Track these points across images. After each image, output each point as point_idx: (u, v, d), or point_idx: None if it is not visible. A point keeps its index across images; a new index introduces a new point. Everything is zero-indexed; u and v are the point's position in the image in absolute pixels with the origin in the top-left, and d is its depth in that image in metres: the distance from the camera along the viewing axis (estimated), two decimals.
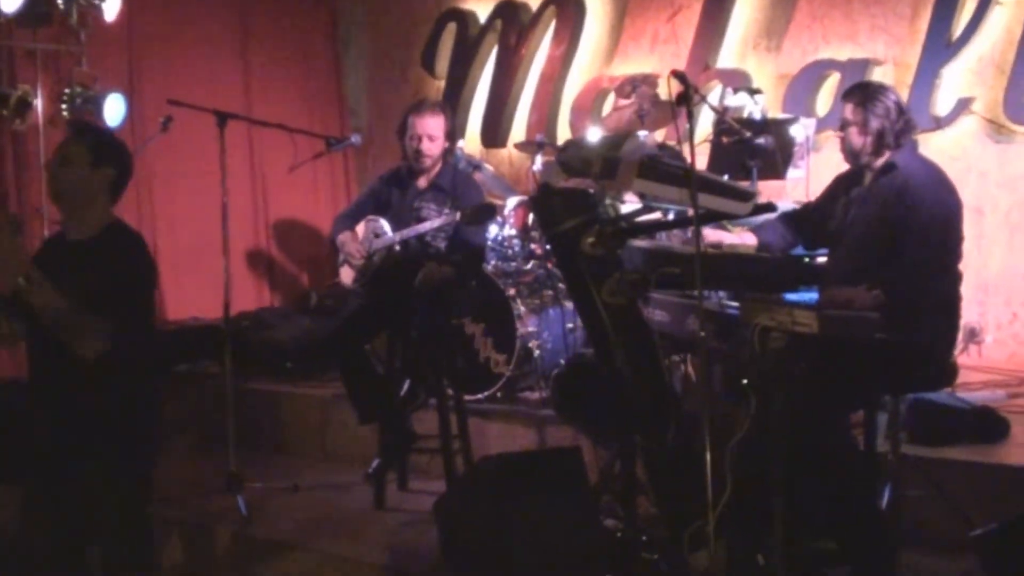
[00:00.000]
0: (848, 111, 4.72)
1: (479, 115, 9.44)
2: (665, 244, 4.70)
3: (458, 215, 5.70)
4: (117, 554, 4.18)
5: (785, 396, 4.10)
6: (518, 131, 9.22)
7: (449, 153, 6.19)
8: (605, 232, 4.28)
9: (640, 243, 4.57)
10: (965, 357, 6.73)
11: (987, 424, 5.32)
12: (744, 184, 4.58)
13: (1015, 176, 7.15)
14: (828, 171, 7.03)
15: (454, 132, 6.23)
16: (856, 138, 4.69)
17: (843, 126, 4.75)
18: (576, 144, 4.68)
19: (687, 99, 3.93)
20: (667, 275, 4.27)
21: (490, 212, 5.83)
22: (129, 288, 4.14)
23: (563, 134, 8.89)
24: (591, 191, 4.44)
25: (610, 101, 8.41)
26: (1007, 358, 7.17)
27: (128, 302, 4.11)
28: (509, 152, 9.23)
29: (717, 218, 4.53)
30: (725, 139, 5.90)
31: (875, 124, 4.63)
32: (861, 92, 4.76)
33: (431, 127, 6.02)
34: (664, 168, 4.11)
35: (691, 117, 3.92)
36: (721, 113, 5.78)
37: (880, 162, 4.68)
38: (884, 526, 4.52)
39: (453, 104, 9.35)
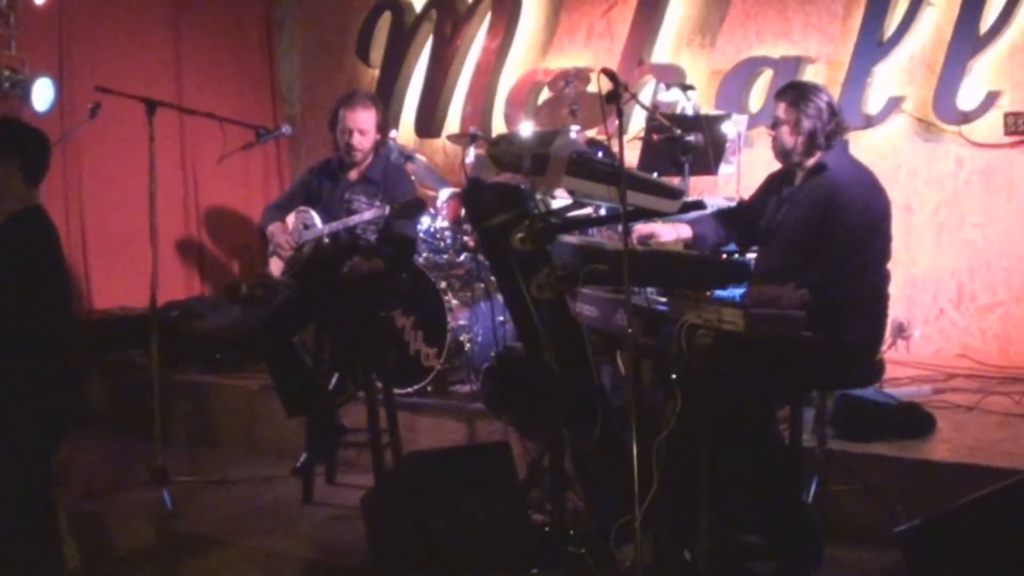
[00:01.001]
0: (780, 110, 4.74)
1: (413, 105, 9.38)
2: (594, 240, 4.71)
3: (387, 209, 5.66)
4: (15, 548, 4.14)
5: (711, 393, 4.12)
6: (452, 122, 9.19)
7: (381, 145, 6.13)
8: (534, 227, 4.28)
9: (569, 239, 4.57)
10: (893, 352, 6.79)
11: (913, 420, 5.36)
12: (673, 182, 4.56)
13: (943, 175, 7.22)
14: (760, 166, 7.08)
15: (386, 124, 6.17)
16: (788, 137, 4.71)
17: (775, 125, 4.77)
18: (507, 139, 4.66)
19: (617, 97, 3.93)
20: (596, 272, 4.28)
21: (419, 207, 5.80)
22: (20, 275, 4.09)
23: (498, 126, 8.88)
24: (521, 186, 4.43)
25: (544, 94, 8.40)
26: (934, 353, 7.25)
27: (19, 289, 4.06)
28: (443, 143, 9.20)
29: (646, 215, 4.52)
30: (656, 136, 5.90)
31: (807, 124, 4.65)
32: (794, 92, 4.78)
33: (362, 121, 5.96)
34: (593, 166, 4.11)
35: (621, 115, 3.92)
36: (652, 110, 5.77)
37: (811, 162, 4.71)
38: (809, 521, 4.55)
39: (387, 93, 9.34)
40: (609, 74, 3.93)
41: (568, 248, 4.51)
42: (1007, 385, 6.28)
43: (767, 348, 4.09)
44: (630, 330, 4.03)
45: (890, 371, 5.36)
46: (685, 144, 5.91)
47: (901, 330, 7.06)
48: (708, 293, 4.25)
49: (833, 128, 4.69)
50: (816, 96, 4.70)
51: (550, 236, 4.37)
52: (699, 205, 4.79)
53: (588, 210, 5.89)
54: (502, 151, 4.49)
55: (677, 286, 4.32)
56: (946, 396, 6.05)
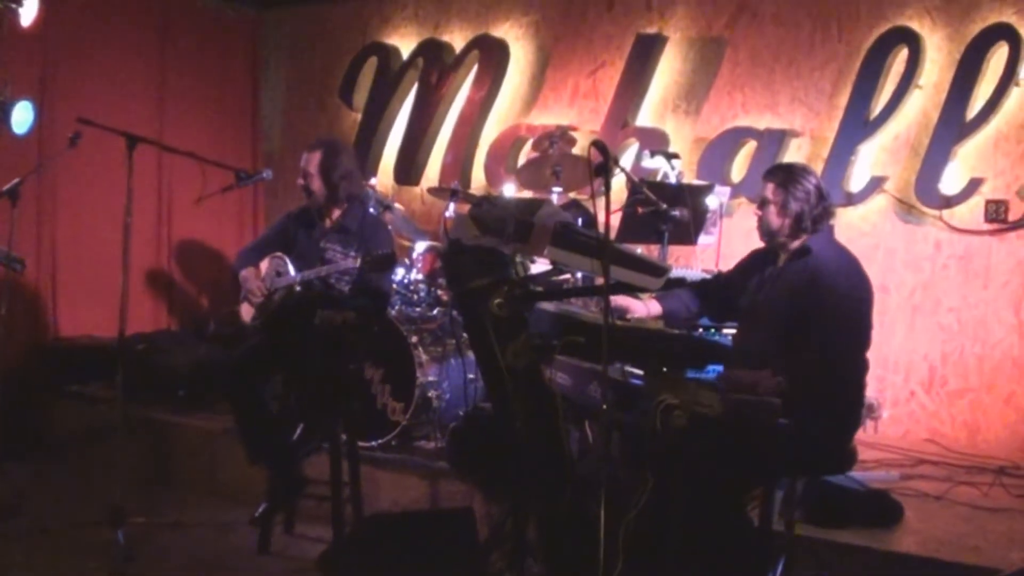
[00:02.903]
0: (769, 190, 4.71)
1: (394, 151, 9.34)
2: (572, 309, 4.64)
3: (359, 262, 5.59)
4: None
5: (683, 474, 4.06)
6: (433, 170, 9.17)
7: (355, 195, 6.06)
8: (513, 294, 4.22)
9: (547, 306, 4.51)
10: (861, 432, 6.70)
11: (882, 508, 5.32)
12: (652, 252, 4.52)
13: (921, 257, 7.23)
14: (739, 237, 7.12)
15: (350, 172, 6.05)
16: (774, 218, 4.68)
17: (762, 204, 4.74)
18: (490, 201, 4.59)
19: (606, 170, 3.88)
20: (573, 344, 4.22)
21: (391, 261, 5.71)
22: None
23: (478, 178, 8.87)
24: (502, 250, 4.37)
25: (527, 150, 8.39)
26: (902, 435, 7.24)
27: None
28: (422, 190, 9.16)
29: (628, 290, 4.48)
30: (641, 210, 5.86)
31: (794, 207, 4.63)
32: (783, 173, 4.75)
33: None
34: (578, 238, 4.05)
35: (608, 189, 3.86)
36: (638, 184, 5.74)
37: (796, 244, 4.68)
38: None
39: (368, 138, 9.34)
40: (600, 147, 3.89)
41: (545, 316, 4.45)
42: (974, 475, 6.24)
43: (741, 433, 4.04)
44: (605, 406, 3.96)
45: (857, 449, 5.31)
46: (669, 218, 5.88)
47: (871, 410, 7.02)
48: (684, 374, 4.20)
49: (820, 212, 4.67)
50: (805, 179, 4.68)
51: (528, 303, 4.31)
52: (681, 283, 4.76)
53: (566, 275, 5.88)
54: (485, 213, 4.42)
55: (655, 365, 4.27)
56: (914, 483, 6.00)
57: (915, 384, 7.31)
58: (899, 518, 5.33)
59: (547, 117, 8.64)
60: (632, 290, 4.52)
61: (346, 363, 5.89)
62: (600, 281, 3.98)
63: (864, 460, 6.18)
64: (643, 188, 5.68)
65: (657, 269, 4.13)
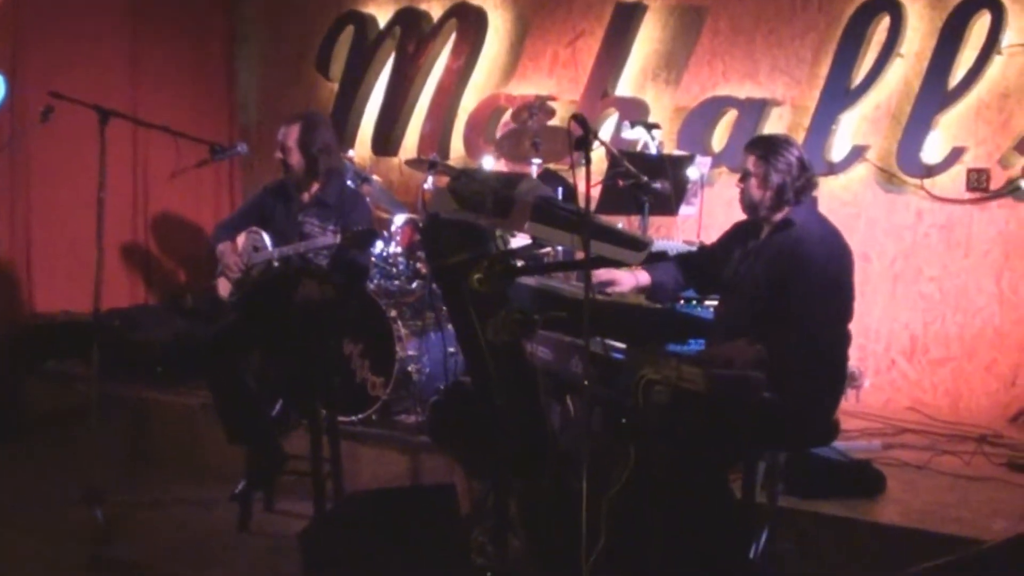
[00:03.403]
0: (750, 163, 4.66)
1: (372, 122, 9.27)
2: (553, 284, 4.59)
3: (339, 238, 5.52)
4: None
5: (666, 450, 4.04)
6: (411, 141, 9.09)
7: (333, 169, 5.99)
8: (493, 269, 4.18)
9: (528, 281, 4.48)
10: (843, 401, 6.72)
11: (864, 479, 5.31)
12: (638, 234, 4.49)
13: (902, 226, 7.21)
14: (720, 207, 7.10)
15: (327, 146, 5.98)
16: (756, 191, 4.64)
17: (743, 177, 4.69)
18: (469, 175, 4.55)
19: (586, 144, 3.84)
20: (554, 319, 4.18)
21: (371, 237, 5.64)
22: None
23: (456, 148, 8.81)
24: (481, 225, 4.33)
25: (506, 120, 8.32)
26: (883, 404, 7.24)
27: None
28: (400, 161, 9.09)
29: (609, 264, 4.44)
30: (622, 182, 5.81)
31: (776, 179, 4.59)
32: (764, 145, 4.70)
33: (284, 135, 5.89)
34: (558, 213, 4.00)
35: (589, 163, 3.82)
36: (619, 157, 5.68)
37: (778, 217, 4.64)
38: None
39: (346, 109, 9.26)
40: (580, 121, 3.84)
41: (526, 291, 4.42)
42: (956, 443, 6.23)
43: (725, 409, 4.01)
44: (586, 382, 3.93)
45: (840, 423, 5.29)
46: (650, 190, 5.83)
47: (852, 379, 7.00)
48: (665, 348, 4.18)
49: (803, 184, 4.63)
50: (787, 150, 4.63)
51: (509, 278, 4.27)
52: (663, 257, 4.72)
53: (547, 249, 5.83)
54: (464, 187, 4.37)
55: (636, 339, 4.24)
56: (896, 453, 5.99)
57: (896, 353, 7.30)
58: (882, 488, 5.31)
59: (526, 87, 8.58)
60: (613, 264, 4.48)
61: (325, 339, 5.84)
62: (581, 255, 3.94)
63: (846, 429, 6.15)
64: (623, 161, 5.63)
65: (638, 243, 4.09)
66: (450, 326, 6.05)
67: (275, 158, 5.95)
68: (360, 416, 6.32)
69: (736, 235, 4.92)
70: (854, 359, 6.92)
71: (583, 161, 3.84)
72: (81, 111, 5.80)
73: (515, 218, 4.05)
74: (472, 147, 8.66)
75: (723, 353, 4.22)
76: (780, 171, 4.59)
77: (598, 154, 7.26)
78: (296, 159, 5.89)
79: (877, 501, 5.20)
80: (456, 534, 4.79)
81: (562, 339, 4.45)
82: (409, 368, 6.29)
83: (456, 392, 5.61)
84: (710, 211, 7.05)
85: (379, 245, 6.60)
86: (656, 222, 7.45)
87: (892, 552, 4.75)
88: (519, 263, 4.39)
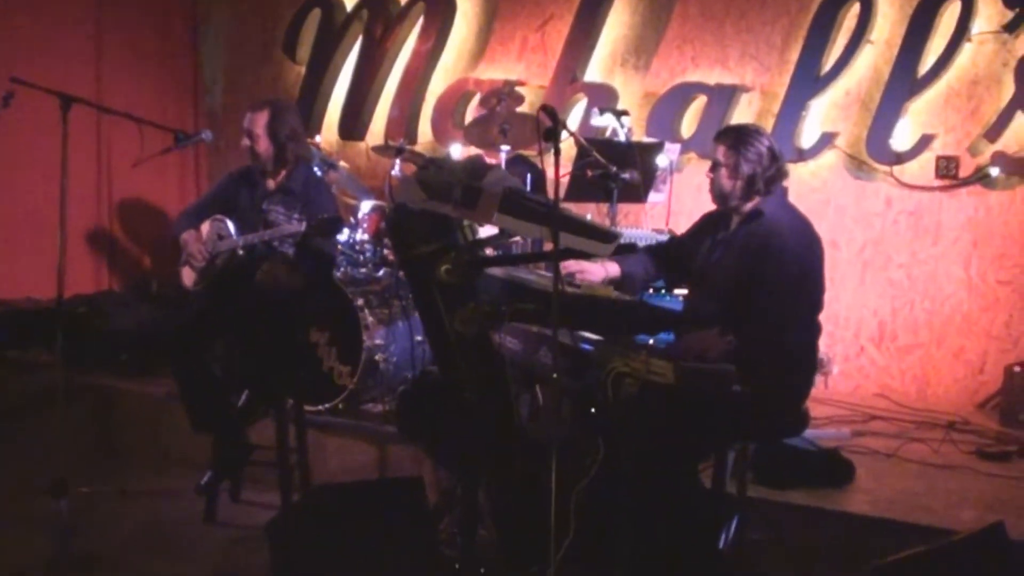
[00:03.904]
0: (720, 153, 4.62)
1: (339, 106, 9.19)
2: (522, 275, 4.55)
3: (304, 226, 5.46)
4: None
5: (635, 442, 4.01)
6: (378, 125, 9.03)
7: (301, 156, 5.93)
8: (461, 260, 4.14)
9: (496, 271, 4.44)
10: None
11: (833, 468, 5.32)
12: (607, 226, 4.45)
13: (871, 213, 7.20)
14: (689, 193, 7.07)
15: (295, 132, 5.92)
16: (726, 181, 4.60)
17: (713, 167, 4.65)
18: (436, 164, 4.50)
19: (555, 135, 3.79)
20: (522, 310, 4.15)
21: (337, 225, 5.59)
22: None
23: (424, 133, 8.76)
24: (449, 215, 4.28)
25: (474, 104, 8.28)
26: (852, 390, 7.25)
27: None
28: (367, 146, 9.02)
29: (578, 256, 4.40)
30: (590, 172, 5.78)
31: (746, 169, 4.55)
32: (735, 135, 4.66)
33: (251, 122, 5.81)
34: (526, 205, 3.96)
35: (558, 155, 3.77)
36: (588, 148, 5.64)
37: (748, 207, 4.61)
38: (724, 568, 4.47)
39: (312, 92, 9.19)
40: (549, 112, 3.80)
41: (494, 282, 4.38)
42: (925, 431, 6.25)
43: (695, 402, 3.99)
44: (555, 375, 3.89)
45: (809, 409, 5.29)
46: (619, 179, 5.80)
47: (821, 366, 6.95)
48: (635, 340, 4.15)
49: (773, 174, 4.60)
50: (757, 140, 4.59)
51: (477, 270, 4.23)
52: (632, 248, 4.69)
53: (516, 239, 5.79)
54: (431, 177, 4.32)
55: (605, 331, 4.21)
56: (865, 440, 6.00)
57: (865, 340, 7.30)
58: (851, 477, 5.32)
59: (495, 71, 8.52)
60: (582, 256, 4.45)
61: (291, 328, 5.78)
62: (549, 247, 3.90)
63: (815, 417, 6.12)
64: (592, 151, 5.59)
65: (607, 235, 4.06)
66: (417, 314, 6.01)
67: (242, 145, 5.88)
68: (327, 405, 6.26)
69: (705, 225, 4.89)
70: (823, 346, 6.88)
71: (552, 151, 3.79)
72: (43, 96, 5.72)
73: (483, 209, 4.00)
74: (440, 132, 8.60)
75: (695, 345, 4.20)
76: (750, 161, 4.56)
77: (567, 141, 7.25)
78: (264, 146, 5.82)
79: (846, 490, 5.22)
80: (425, 526, 4.75)
81: (530, 330, 4.42)
82: (376, 357, 6.23)
83: (424, 382, 5.56)
84: (679, 197, 7.01)
85: (345, 232, 6.53)
86: (624, 209, 7.43)
87: (861, 542, 4.76)
88: (487, 253, 4.37)
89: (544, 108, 3.79)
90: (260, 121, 5.81)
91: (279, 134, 5.81)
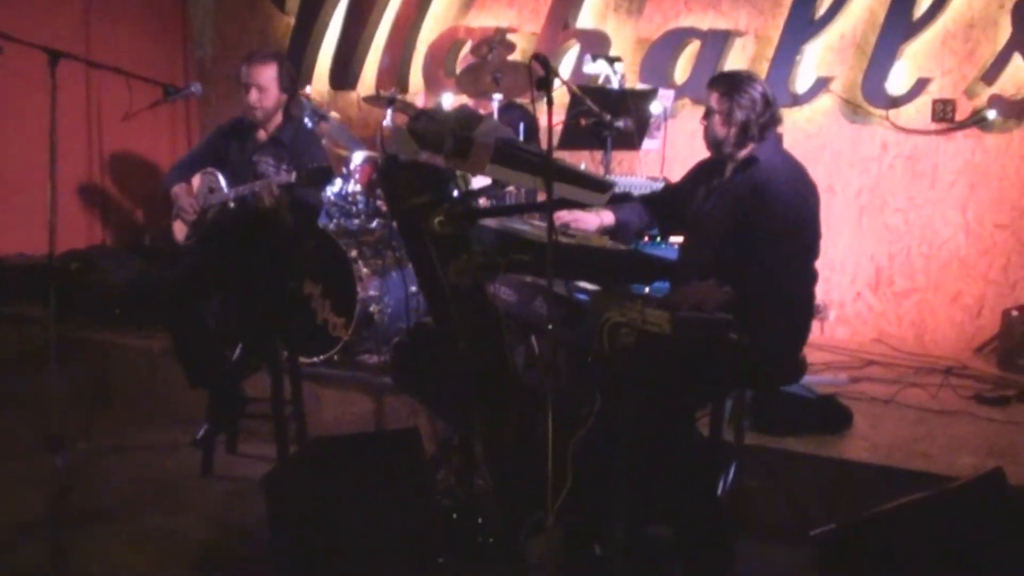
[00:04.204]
0: (713, 100, 4.57)
1: (329, 55, 9.11)
2: (516, 226, 4.52)
3: (294, 176, 5.40)
4: None
5: (632, 392, 3.99)
6: (369, 75, 8.96)
7: (294, 107, 5.88)
8: (455, 211, 4.11)
9: (490, 223, 4.40)
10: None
11: (831, 414, 5.31)
12: (601, 176, 4.41)
13: (867, 157, 7.16)
14: (683, 139, 7.01)
15: (293, 84, 5.87)
16: (719, 128, 4.56)
17: (707, 115, 4.60)
18: (428, 115, 4.45)
19: (548, 85, 3.74)
20: (517, 261, 4.12)
21: (326, 176, 5.53)
22: None
23: (416, 82, 8.70)
24: (441, 167, 4.24)
25: (465, 53, 8.21)
26: (849, 336, 7.24)
27: None
28: (358, 96, 8.96)
29: (572, 206, 4.37)
30: (583, 121, 5.73)
31: (740, 115, 4.50)
32: (727, 81, 4.61)
33: (260, 76, 5.72)
34: (519, 155, 3.92)
35: (551, 104, 3.73)
36: (581, 97, 5.59)
37: (743, 154, 4.56)
38: (722, 515, 4.46)
39: (302, 42, 9.12)
40: (542, 61, 3.74)
41: (488, 233, 4.34)
42: (923, 376, 6.25)
43: (691, 350, 3.96)
44: (551, 326, 3.87)
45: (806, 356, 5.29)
46: (613, 128, 5.75)
47: (818, 311, 6.92)
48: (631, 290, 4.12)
49: (767, 120, 4.54)
50: (750, 86, 4.54)
51: (470, 221, 4.20)
52: (627, 197, 4.66)
53: (510, 188, 5.75)
54: (423, 128, 4.28)
55: (600, 281, 4.18)
56: (862, 386, 6.00)
57: (862, 285, 7.28)
58: (848, 424, 5.32)
59: (486, 18, 8.44)
60: (576, 206, 4.42)
61: (285, 280, 5.75)
62: (542, 197, 3.87)
63: (812, 363, 6.07)
64: (586, 100, 5.54)
65: (601, 185, 4.02)
66: (411, 266, 5.97)
67: (249, 99, 5.76)
68: (322, 357, 6.25)
69: (700, 173, 4.85)
70: (819, 291, 6.86)
71: (545, 100, 3.74)
72: (31, 52, 5.66)
73: (476, 160, 3.96)
74: (431, 81, 8.54)
75: (691, 295, 4.17)
76: (744, 107, 4.51)
77: (560, 89, 7.20)
78: (273, 99, 5.77)
79: (844, 437, 5.21)
80: (421, 477, 4.74)
81: (525, 280, 4.40)
82: (370, 308, 6.20)
83: (419, 333, 5.54)
84: (673, 144, 6.97)
85: (338, 183, 6.48)
86: (618, 156, 7.38)
87: (860, 489, 4.75)
88: (481, 204, 4.33)
89: (536, 57, 3.73)
90: (269, 73, 5.76)
91: (287, 87, 5.78)
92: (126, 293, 7.46)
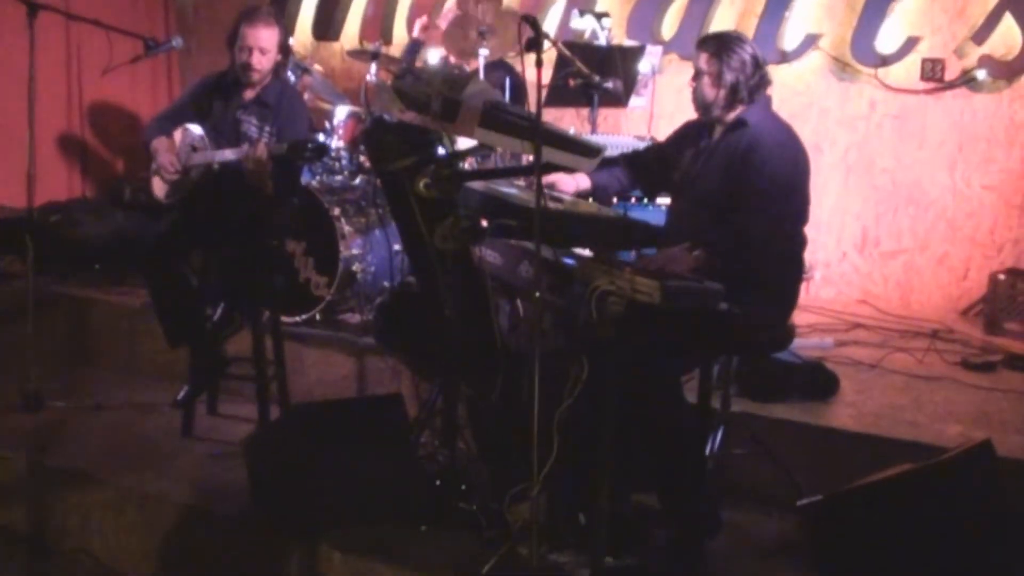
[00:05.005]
0: (702, 61, 4.50)
1: (312, 5, 9.00)
2: (502, 189, 4.45)
3: (285, 147, 5.26)
4: None
5: (619, 361, 3.93)
6: (352, 26, 8.88)
7: (282, 68, 5.76)
8: (441, 173, 4.04)
9: (476, 186, 4.33)
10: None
11: (817, 380, 5.26)
12: (590, 141, 4.32)
13: (855, 116, 7.11)
14: (670, 95, 6.93)
15: (287, 45, 5.76)
16: (708, 90, 4.48)
17: (696, 76, 4.53)
18: (414, 74, 4.38)
19: (538, 45, 3.67)
20: (503, 226, 4.06)
21: (320, 154, 5.36)
22: None
23: (400, 34, 8.57)
24: (427, 127, 4.17)
25: (450, 5, 8.09)
26: (834, 296, 7.21)
27: None
28: (342, 46, 8.86)
29: (559, 170, 4.31)
30: (572, 82, 5.65)
31: (729, 77, 4.43)
32: (716, 42, 4.53)
33: (263, 39, 5.57)
34: (507, 118, 3.85)
35: (541, 66, 3.65)
36: (570, 59, 5.51)
37: (732, 116, 4.49)
38: (708, 484, 4.43)
39: None
40: (531, 21, 3.67)
41: (475, 195, 4.27)
42: (908, 339, 6.22)
43: (679, 319, 3.90)
44: (538, 294, 3.81)
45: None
46: (601, 88, 5.69)
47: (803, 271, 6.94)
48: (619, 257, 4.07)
49: (757, 82, 4.47)
50: (740, 47, 4.46)
51: (457, 184, 4.12)
52: (615, 162, 4.59)
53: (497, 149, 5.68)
54: (409, 88, 4.21)
55: (587, 247, 4.12)
56: (848, 350, 5.96)
57: (848, 245, 7.24)
58: (835, 390, 5.27)
59: None
60: (565, 170, 4.36)
61: (267, 239, 5.66)
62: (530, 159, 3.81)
63: (798, 325, 6.08)
64: (575, 62, 5.46)
65: (590, 150, 3.96)
66: (395, 222, 5.89)
67: (250, 60, 5.62)
68: (304, 316, 6.18)
69: (687, 134, 4.77)
70: (806, 252, 6.88)
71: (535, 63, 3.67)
72: (9, 4, 5.56)
73: (463, 123, 3.90)
74: (415, 32, 8.41)
75: (663, 260, 4.14)
76: (733, 69, 4.44)
77: (549, 47, 7.11)
78: (271, 61, 5.63)
79: (831, 403, 5.17)
80: (404, 444, 4.70)
81: (510, 242, 4.33)
82: (353, 267, 6.13)
83: (402, 294, 5.49)
84: (660, 100, 6.88)
85: (320, 139, 6.39)
86: (604, 112, 7.28)
87: (847, 457, 4.71)
88: (467, 165, 4.26)
89: (526, 18, 3.66)
90: (274, 38, 5.60)
91: (285, 47, 5.68)
92: (106, 247, 7.36)
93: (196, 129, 5.62)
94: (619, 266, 3.93)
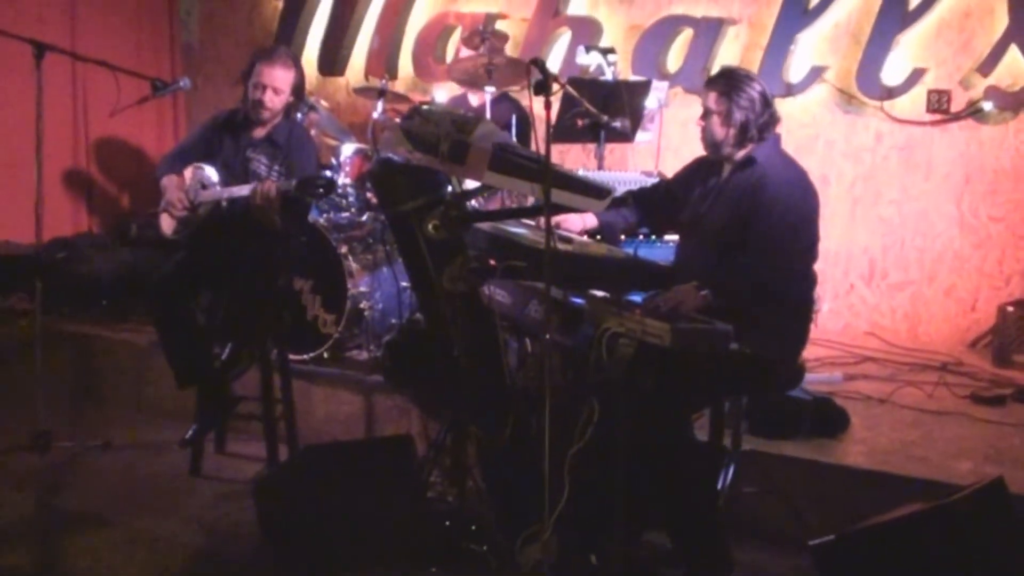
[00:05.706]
0: (711, 100, 4.49)
1: (318, 40, 9.03)
2: (510, 230, 4.45)
3: (294, 184, 5.26)
4: None
5: (630, 402, 3.92)
6: (358, 60, 8.90)
7: (293, 108, 5.77)
8: (450, 215, 4.03)
9: (485, 227, 4.33)
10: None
11: (827, 417, 5.23)
12: (600, 182, 4.31)
13: (861, 148, 7.12)
14: (675, 128, 6.93)
15: (302, 88, 5.76)
16: (718, 129, 4.48)
17: (705, 115, 4.52)
18: (422, 114, 4.35)
19: (546, 89, 3.66)
20: (512, 267, 4.06)
21: (328, 189, 5.36)
22: None
23: (405, 68, 8.62)
24: (435, 168, 4.16)
25: (455, 39, 8.13)
26: (842, 328, 7.20)
27: None
28: (347, 81, 8.88)
29: (568, 210, 4.31)
30: (580, 122, 5.66)
31: (739, 116, 4.42)
32: (726, 81, 4.52)
33: (279, 79, 5.56)
34: (517, 161, 3.84)
35: (549, 108, 3.65)
36: (578, 100, 5.51)
37: (741, 155, 4.49)
38: (720, 523, 4.40)
39: (291, 26, 9.06)
40: (539, 65, 3.66)
41: (483, 236, 4.28)
42: (917, 373, 6.21)
43: (690, 360, 3.89)
44: (548, 336, 3.80)
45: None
46: (609, 129, 5.69)
47: None
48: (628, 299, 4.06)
49: (766, 120, 4.46)
50: (749, 86, 4.46)
51: (465, 225, 4.12)
52: (625, 202, 4.59)
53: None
54: (418, 129, 4.19)
55: (597, 289, 4.12)
56: (857, 384, 5.95)
57: (855, 277, 7.24)
58: (845, 426, 5.25)
59: (476, 3, 8.35)
60: (573, 211, 4.36)
61: (275, 277, 5.66)
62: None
63: (806, 359, 6.06)
64: (583, 103, 5.46)
65: (600, 191, 3.95)
66: (403, 264, 5.88)
67: (263, 98, 5.61)
68: (312, 354, 6.17)
69: (696, 172, 4.76)
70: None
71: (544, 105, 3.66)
72: (18, 44, 5.58)
73: (471, 166, 3.90)
74: (421, 67, 8.48)
75: (670, 299, 4.13)
76: (743, 108, 4.43)
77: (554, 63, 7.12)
78: (284, 101, 5.64)
79: (841, 440, 5.15)
80: (414, 486, 4.68)
81: (520, 283, 4.33)
82: (361, 304, 6.13)
83: (411, 332, 5.47)
84: (666, 134, 6.89)
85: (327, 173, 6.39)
86: (611, 147, 7.29)
87: (858, 495, 4.69)
88: (475, 205, 4.26)
89: (534, 61, 3.65)
90: (289, 79, 5.60)
91: (299, 89, 5.68)
92: (112, 283, 7.36)
93: (209, 169, 5.62)
94: (628, 307, 3.93)
